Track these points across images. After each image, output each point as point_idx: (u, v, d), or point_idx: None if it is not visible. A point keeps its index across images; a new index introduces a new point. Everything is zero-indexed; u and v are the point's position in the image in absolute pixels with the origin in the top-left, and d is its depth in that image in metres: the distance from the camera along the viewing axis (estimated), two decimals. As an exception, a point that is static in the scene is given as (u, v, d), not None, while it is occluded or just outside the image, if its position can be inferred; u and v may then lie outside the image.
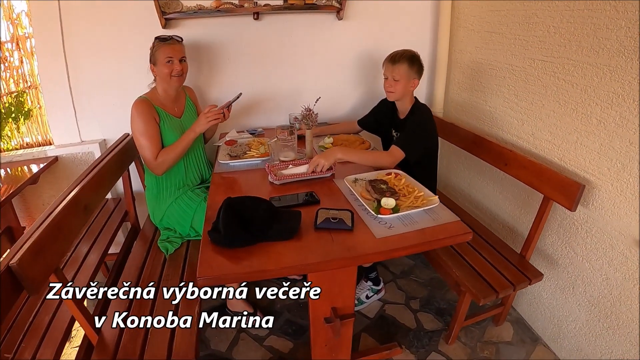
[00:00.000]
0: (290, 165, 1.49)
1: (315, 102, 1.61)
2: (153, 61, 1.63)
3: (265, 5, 1.90)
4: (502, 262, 1.55)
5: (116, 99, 1.96)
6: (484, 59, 1.88)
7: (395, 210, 1.15)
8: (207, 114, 1.58)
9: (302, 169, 1.48)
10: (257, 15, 1.95)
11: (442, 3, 2.06)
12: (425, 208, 1.19)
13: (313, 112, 1.59)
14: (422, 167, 1.65)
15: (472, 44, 1.95)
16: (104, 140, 2.06)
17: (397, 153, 1.52)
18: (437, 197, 1.23)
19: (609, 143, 1.32)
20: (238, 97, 1.70)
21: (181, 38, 1.67)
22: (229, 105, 1.67)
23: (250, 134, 2.02)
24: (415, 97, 1.69)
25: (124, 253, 1.80)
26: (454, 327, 1.63)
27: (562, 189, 1.39)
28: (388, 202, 1.15)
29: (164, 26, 1.85)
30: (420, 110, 1.64)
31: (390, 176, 1.36)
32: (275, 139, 1.57)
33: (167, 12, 1.81)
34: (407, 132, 1.59)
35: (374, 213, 1.16)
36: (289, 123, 1.98)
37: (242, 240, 1.04)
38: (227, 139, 1.89)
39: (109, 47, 1.89)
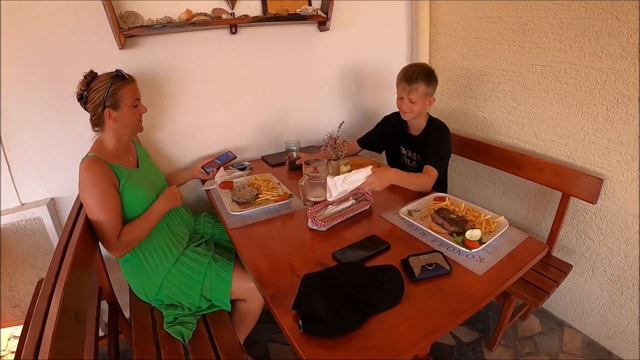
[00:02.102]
0: (331, 206, 1.31)
1: (339, 128, 1.44)
2: (112, 104, 1.26)
3: (243, 16, 1.65)
4: (536, 263, 1.61)
5: (62, 146, 1.53)
6: (472, 65, 1.93)
7: (481, 241, 1.08)
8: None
9: (346, 204, 1.32)
10: (234, 29, 1.68)
11: (420, 3, 2.05)
12: (501, 232, 1.14)
13: (339, 140, 1.42)
14: (437, 181, 1.61)
15: (457, 50, 1.99)
16: (52, 199, 1.59)
17: (433, 173, 1.47)
18: (503, 217, 1.20)
19: (617, 138, 1.44)
20: (230, 159, 1.56)
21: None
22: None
23: (239, 169, 1.76)
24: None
25: (115, 346, 1.39)
26: (499, 333, 1.65)
27: (582, 185, 1.49)
28: (474, 233, 1.08)
29: (123, 45, 1.46)
30: (439, 126, 1.61)
31: (446, 202, 1.29)
32: (306, 177, 1.36)
33: (126, 27, 1.43)
34: (434, 150, 1.54)
35: (464, 249, 1.07)
36: (286, 150, 1.77)
37: (354, 324, 0.85)
38: (218, 181, 1.61)
39: (46, 73, 1.43)
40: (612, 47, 1.38)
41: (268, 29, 1.80)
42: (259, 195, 1.46)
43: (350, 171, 1.56)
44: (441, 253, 1.05)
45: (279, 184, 1.52)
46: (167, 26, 1.48)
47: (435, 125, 1.61)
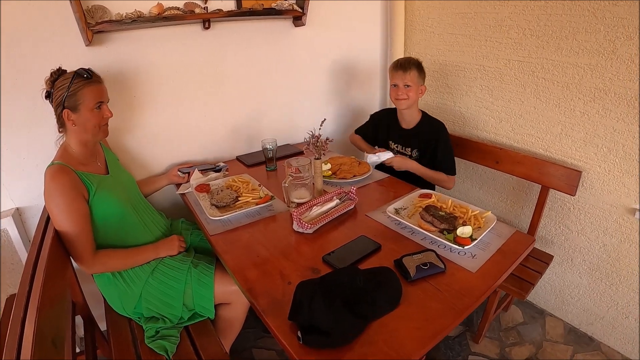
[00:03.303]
0: (315, 207, 1.26)
1: (321, 125, 1.39)
2: (71, 106, 1.16)
3: (217, 10, 1.57)
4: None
5: (24, 150, 1.39)
6: (449, 61, 1.93)
7: (473, 238, 1.07)
8: (181, 243, 1.35)
9: (331, 204, 1.27)
10: (207, 24, 1.60)
11: (395, 4, 2.04)
12: (490, 227, 1.14)
13: (321, 138, 1.37)
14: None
15: (433, 46, 1.99)
16: (17, 210, 1.45)
17: (452, 177, 1.64)
18: (490, 212, 1.20)
19: (594, 132, 1.48)
20: (219, 170, 1.52)
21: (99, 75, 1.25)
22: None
23: (214, 171, 1.68)
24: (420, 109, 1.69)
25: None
26: (484, 325, 1.67)
27: (561, 178, 1.52)
28: (465, 230, 1.06)
29: (90, 42, 1.35)
30: (439, 128, 1.65)
31: (432, 199, 1.28)
32: (289, 177, 1.30)
33: (93, 22, 1.32)
34: (446, 158, 1.63)
35: (456, 246, 1.05)
36: (262, 150, 1.70)
37: (357, 331, 0.81)
38: (194, 184, 1.53)
39: (7, 71, 1.31)
40: (588, 43, 1.41)
41: (242, 24, 1.72)
42: (239, 198, 1.39)
43: (331, 170, 1.54)
44: (434, 252, 1.02)
45: (260, 185, 1.46)
46: (137, 21, 1.38)
47: (434, 127, 1.65)
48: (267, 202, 1.34)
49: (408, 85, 1.57)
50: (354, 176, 1.53)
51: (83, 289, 1.35)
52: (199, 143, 1.79)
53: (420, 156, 1.68)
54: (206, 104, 1.75)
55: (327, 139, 1.35)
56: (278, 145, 1.91)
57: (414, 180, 1.60)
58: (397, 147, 1.74)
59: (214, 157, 1.85)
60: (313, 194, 1.37)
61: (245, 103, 1.86)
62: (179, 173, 1.59)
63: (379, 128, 1.82)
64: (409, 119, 1.69)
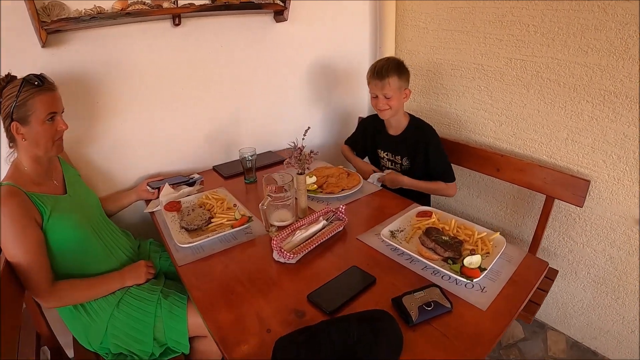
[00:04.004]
0: (299, 232, 1.09)
1: (304, 135, 1.23)
2: (20, 118, 1.01)
3: (188, 4, 1.39)
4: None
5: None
6: (443, 59, 1.79)
7: (482, 268, 0.93)
8: (149, 269, 1.21)
9: (316, 226, 1.11)
10: (178, 20, 1.42)
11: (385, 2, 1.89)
12: (500, 253, 1.00)
13: (304, 150, 1.20)
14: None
15: (426, 43, 1.84)
16: None
17: (451, 184, 1.51)
18: (498, 233, 1.06)
19: (603, 137, 1.36)
20: (192, 183, 1.39)
21: (53, 81, 1.09)
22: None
23: (187, 184, 1.50)
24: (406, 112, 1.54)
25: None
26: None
27: (567, 187, 1.41)
28: (473, 259, 0.92)
29: (45, 42, 1.18)
30: (428, 133, 1.52)
31: (432, 219, 1.13)
32: (267, 198, 1.13)
33: (49, 20, 1.15)
34: (439, 159, 1.50)
35: (463, 279, 0.91)
36: (240, 159, 1.52)
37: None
38: (164, 201, 1.35)
39: None
40: (598, 41, 1.28)
41: (217, 19, 1.54)
42: (212, 220, 1.21)
43: (317, 183, 1.38)
44: (438, 287, 0.88)
45: (235, 205, 1.28)
46: (97, 18, 1.22)
47: (422, 131, 1.51)
48: (244, 224, 1.17)
49: (387, 97, 1.42)
50: (343, 190, 1.37)
51: (52, 313, 1.19)
52: (171, 152, 1.62)
53: (412, 164, 1.54)
54: (178, 109, 1.58)
55: (311, 151, 1.18)
56: (259, 152, 1.75)
57: (408, 191, 1.46)
58: (387, 155, 1.60)
59: (189, 168, 1.67)
60: (296, 214, 1.21)
61: (222, 107, 1.69)
62: (148, 188, 1.42)
63: (367, 136, 1.67)
64: (395, 125, 1.55)
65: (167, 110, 1.55)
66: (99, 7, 1.24)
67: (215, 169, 1.68)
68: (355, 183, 1.40)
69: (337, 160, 2.08)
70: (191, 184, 1.52)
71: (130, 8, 1.28)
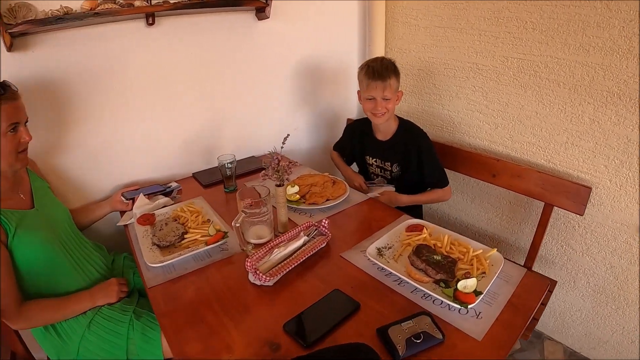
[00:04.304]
0: (277, 250, 1.00)
1: (284, 143, 1.13)
2: None
3: (162, 2, 1.29)
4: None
5: None
6: (436, 58, 1.70)
7: (478, 292, 0.84)
8: (121, 287, 1.13)
9: (296, 243, 1.02)
10: (151, 19, 1.32)
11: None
12: (498, 272, 0.91)
13: (283, 160, 1.10)
14: (415, 191, 1.47)
15: (418, 41, 1.75)
16: None
17: (447, 188, 1.45)
18: (495, 249, 0.97)
19: (605, 141, 1.29)
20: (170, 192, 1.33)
21: (17, 88, 1.00)
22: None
23: (164, 194, 1.40)
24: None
25: None
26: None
27: (567, 195, 1.33)
28: (468, 283, 0.84)
29: (10, 47, 1.09)
30: (420, 135, 1.43)
31: (424, 235, 1.03)
32: (241, 214, 1.02)
33: (15, 23, 1.05)
34: (434, 166, 1.43)
35: (457, 305, 0.82)
36: (219, 167, 1.42)
37: None
38: (137, 213, 1.26)
39: None
40: (601, 39, 1.20)
41: (194, 18, 1.44)
42: (185, 235, 1.12)
43: (299, 193, 1.29)
44: (429, 315, 0.79)
45: (209, 220, 1.18)
46: (64, 19, 1.12)
47: (413, 135, 1.43)
48: (219, 240, 1.08)
49: (387, 98, 1.33)
50: (327, 200, 1.28)
51: (27, 330, 1.12)
52: (148, 160, 1.52)
53: (403, 171, 1.45)
54: (155, 114, 1.48)
55: (290, 162, 1.09)
56: (241, 158, 1.67)
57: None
58: (375, 161, 1.52)
59: (167, 176, 1.58)
60: (276, 229, 1.12)
61: (202, 110, 1.60)
62: (122, 198, 1.33)
63: (354, 141, 1.59)
64: (384, 129, 1.46)
65: (143, 115, 1.45)
66: (66, 7, 1.14)
67: (194, 176, 1.59)
68: (341, 192, 1.31)
69: (324, 166, 1.99)
70: (168, 194, 1.42)
71: (99, 8, 1.18)
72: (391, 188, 1.41)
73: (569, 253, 1.51)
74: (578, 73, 1.28)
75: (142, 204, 1.32)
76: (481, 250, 0.95)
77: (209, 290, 0.95)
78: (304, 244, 1.02)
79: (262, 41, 1.63)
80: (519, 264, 1.45)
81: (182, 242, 1.11)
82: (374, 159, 1.51)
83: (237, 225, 0.96)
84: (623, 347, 1.47)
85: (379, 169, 1.51)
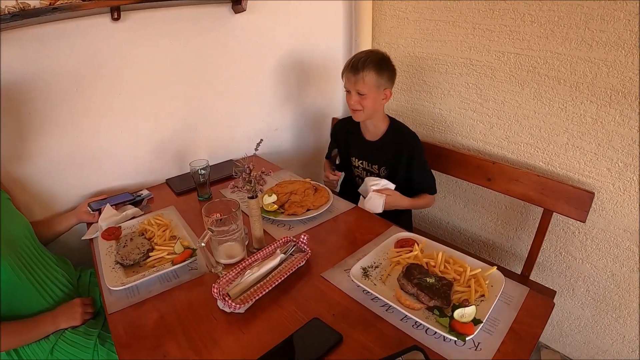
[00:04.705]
0: (249, 271, 0.88)
1: (257, 148, 1.01)
2: None
3: (128, -6, 1.16)
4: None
5: None
6: (426, 53, 1.59)
7: (477, 320, 0.74)
8: (86, 308, 1.02)
9: (272, 263, 0.91)
10: (117, 14, 1.20)
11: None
12: (499, 295, 0.82)
13: (253, 170, 0.96)
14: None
15: (406, 35, 1.64)
16: None
17: (433, 198, 1.38)
18: (495, 267, 0.87)
19: (608, 143, 1.20)
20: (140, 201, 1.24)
21: None
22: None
23: (134, 204, 1.29)
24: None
25: None
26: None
27: (568, 200, 1.24)
28: (466, 312, 0.73)
29: None
30: (411, 137, 1.33)
31: (415, 252, 0.92)
32: (207, 233, 0.89)
33: None
34: (424, 172, 1.34)
35: (452, 337, 0.72)
36: (191, 173, 1.30)
37: None
38: (103, 226, 1.15)
39: None
40: (605, 33, 1.10)
41: (164, 12, 1.32)
42: (150, 253, 1.00)
43: (276, 203, 1.18)
44: (422, 351, 0.69)
45: (174, 237, 1.06)
46: (20, 15, 1.00)
47: (404, 137, 1.32)
48: (186, 259, 0.96)
49: (361, 94, 1.23)
50: (308, 210, 1.17)
51: None
52: (117, 166, 1.41)
53: (391, 174, 1.35)
54: (124, 116, 1.37)
55: (262, 172, 0.97)
56: (219, 161, 1.55)
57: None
58: (361, 163, 1.41)
59: (138, 183, 1.47)
60: (250, 244, 1.01)
61: (175, 111, 1.48)
62: (88, 209, 1.23)
63: (339, 141, 1.48)
64: (372, 130, 1.36)
65: (111, 118, 1.34)
66: (23, 3, 1.01)
67: (168, 183, 1.46)
68: (323, 201, 1.20)
69: (308, 169, 1.89)
70: (137, 203, 1.31)
71: (58, 2, 1.05)
72: (390, 186, 1.27)
73: (568, 260, 1.43)
74: (580, 69, 1.18)
75: (108, 216, 1.21)
76: (479, 270, 0.85)
77: (175, 318, 0.84)
78: (280, 263, 0.91)
79: (239, 36, 1.50)
80: (518, 278, 1.38)
81: (148, 260, 1.00)
82: (360, 161, 1.40)
83: (202, 245, 0.84)
84: (623, 356, 1.40)
85: (365, 172, 1.40)
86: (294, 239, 0.98)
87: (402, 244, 0.95)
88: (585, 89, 1.19)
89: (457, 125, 1.58)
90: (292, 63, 1.70)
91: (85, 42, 1.21)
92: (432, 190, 1.36)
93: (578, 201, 1.22)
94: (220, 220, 0.88)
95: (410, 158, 1.30)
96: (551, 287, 1.45)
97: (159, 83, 1.39)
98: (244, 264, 0.88)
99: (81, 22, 1.19)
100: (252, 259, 0.91)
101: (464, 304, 0.74)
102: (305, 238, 0.95)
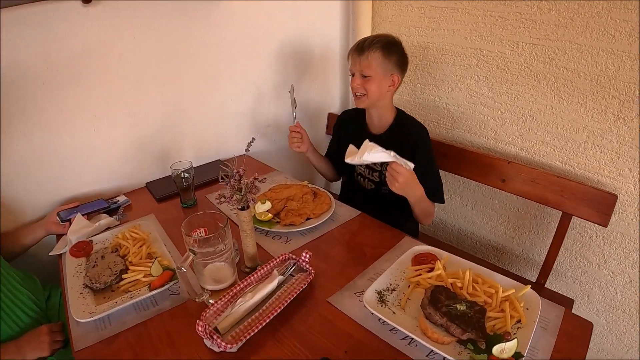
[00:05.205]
0: (241, 300, 0.74)
1: (248, 148, 0.87)
2: None
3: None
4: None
5: None
6: (432, 42, 1.47)
7: (518, 354, 0.63)
8: (54, 336, 0.88)
9: (268, 288, 0.77)
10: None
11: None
12: (537, 322, 0.70)
13: (243, 176, 0.81)
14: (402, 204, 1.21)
15: (410, 23, 1.51)
16: None
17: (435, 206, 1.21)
18: (529, 286, 0.76)
19: (631, 141, 1.11)
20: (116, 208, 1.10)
21: None
22: None
23: (107, 212, 1.15)
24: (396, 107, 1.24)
25: None
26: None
27: (589, 203, 1.14)
28: (507, 347, 0.62)
29: None
30: (419, 132, 1.20)
31: (438, 271, 0.78)
32: (189, 255, 0.74)
33: None
34: (430, 173, 1.16)
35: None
36: (172, 177, 1.14)
37: None
38: (73, 239, 1.01)
39: None
40: (629, 23, 1.00)
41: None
42: (124, 275, 0.85)
43: (271, 211, 1.04)
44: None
45: (154, 258, 0.88)
46: None
47: (411, 131, 1.19)
48: (165, 283, 0.82)
49: (366, 76, 1.11)
50: (308, 219, 1.03)
51: None
52: (91, 169, 1.25)
53: None
54: (98, 113, 1.21)
55: (254, 178, 0.82)
56: (205, 162, 1.40)
57: (387, 209, 1.17)
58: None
59: (114, 188, 1.31)
60: (241, 263, 0.87)
61: (156, 106, 1.33)
62: (57, 219, 1.08)
63: (342, 136, 1.35)
64: (378, 122, 1.23)
65: (84, 115, 1.18)
66: None
67: (148, 187, 1.31)
68: (325, 208, 1.06)
69: (304, 171, 1.75)
70: (113, 212, 1.15)
71: None
72: (410, 165, 0.97)
73: (583, 265, 1.34)
74: (601, 62, 1.08)
75: (78, 227, 1.06)
76: (513, 290, 0.74)
77: (152, 355, 0.70)
78: (278, 287, 0.77)
79: (225, 23, 1.35)
80: (534, 286, 1.27)
81: (121, 283, 0.85)
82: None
83: (183, 270, 0.70)
84: (638, 364, 1.33)
85: (368, 171, 1.27)
86: (294, 257, 0.84)
87: (420, 259, 0.82)
88: (606, 83, 1.09)
89: (465, 121, 1.46)
90: (283, 54, 1.56)
91: (52, 29, 1.05)
92: (437, 196, 1.18)
93: (600, 204, 1.12)
94: (205, 239, 0.73)
95: (413, 153, 1.15)
96: (565, 294, 1.37)
97: (137, 75, 1.23)
98: (235, 290, 0.74)
99: (48, 6, 1.02)
100: (245, 283, 0.77)
101: (505, 337, 0.62)
102: (308, 256, 0.82)
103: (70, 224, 1.06)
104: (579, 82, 1.14)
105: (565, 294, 1.37)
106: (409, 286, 0.78)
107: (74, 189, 1.23)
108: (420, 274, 0.78)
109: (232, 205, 0.80)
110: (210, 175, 1.31)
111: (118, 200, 1.22)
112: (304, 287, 0.78)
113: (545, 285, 1.32)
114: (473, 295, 0.73)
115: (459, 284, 0.75)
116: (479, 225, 1.57)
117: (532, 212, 1.39)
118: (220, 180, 0.80)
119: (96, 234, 1.05)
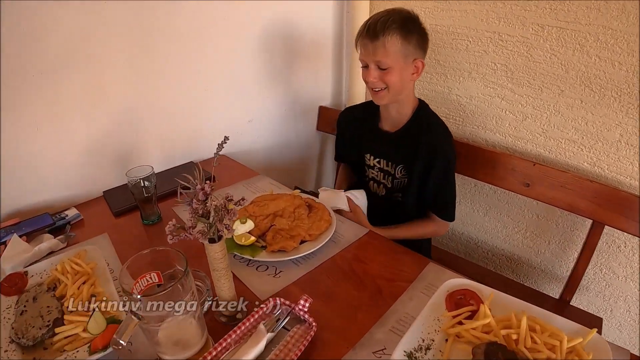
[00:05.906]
0: None
1: (218, 151, 0.62)
2: None
3: None
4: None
5: None
6: (441, 25, 1.29)
7: None
8: None
9: (254, 351, 0.55)
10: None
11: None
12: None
13: (210, 195, 0.57)
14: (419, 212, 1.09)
15: (414, 4, 1.33)
16: None
17: (447, 226, 1.08)
18: (595, 331, 0.59)
19: (672, 140, 0.96)
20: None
21: None
22: None
23: (52, 231, 0.92)
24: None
25: None
26: None
27: (623, 211, 1.01)
28: None
29: None
30: (439, 132, 1.02)
31: (481, 315, 0.59)
32: (131, 321, 0.49)
33: None
34: (447, 184, 1.01)
35: None
36: (129, 187, 0.91)
37: None
38: (7, 269, 0.78)
39: None
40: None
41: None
42: (56, 329, 0.63)
43: (253, 232, 0.82)
44: None
45: (96, 307, 0.64)
46: None
47: (429, 129, 1.01)
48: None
49: (383, 69, 0.91)
50: (302, 242, 0.82)
51: None
52: (36, 176, 1.00)
53: (409, 178, 1.04)
54: (42, 108, 0.95)
55: (228, 198, 0.58)
56: (177, 164, 1.19)
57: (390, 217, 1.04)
58: (378, 163, 1.10)
59: (65, 198, 1.06)
60: (211, 310, 0.65)
61: (115, 99, 1.09)
62: None
63: (347, 136, 1.18)
64: (396, 116, 1.04)
65: (24, 111, 0.93)
66: None
67: (106, 196, 1.07)
68: (323, 226, 0.84)
69: (292, 174, 1.55)
70: (60, 227, 0.93)
71: None
72: (362, 200, 1.03)
73: (608, 278, 1.21)
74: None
75: (14, 253, 0.84)
76: (580, 340, 0.56)
77: None
78: (267, 344, 0.57)
79: (204, 3, 1.12)
80: (556, 304, 1.14)
81: (55, 338, 0.62)
82: (376, 159, 1.08)
83: (122, 345, 0.47)
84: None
85: (381, 174, 1.08)
86: (288, 304, 0.63)
87: (456, 300, 0.63)
88: (647, 73, 0.94)
89: (479, 115, 1.30)
90: (268, 39, 1.35)
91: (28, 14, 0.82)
92: (445, 213, 1.05)
93: (635, 211, 0.98)
94: (154, 295, 0.49)
95: (430, 165, 0.99)
96: (586, 309, 1.23)
97: (92, 60, 0.99)
98: (208, 359, 0.53)
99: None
100: (220, 347, 0.55)
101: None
102: (307, 303, 0.61)
103: (5, 247, 0.83)
104: (612, 72, 1.00)
105: (586, 309, 1.24)
106: (446, 340, 0.58)
107: (15, 201, 0.98)
108: (460, 322, 0.59)
109: (196, 235, 0.56)
110: (178, 182, 1.09)
111: (66, 215, 0.98)
112: (303, 348, 0.57)
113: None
114: (532, 350, 0.55)
115: (514, 335, 0.56)
116: (491, 234, 1.41)
117: (554, 219, 1.24)
118: (178, 197, 0.57)
119: (35, 262, 0.82)
